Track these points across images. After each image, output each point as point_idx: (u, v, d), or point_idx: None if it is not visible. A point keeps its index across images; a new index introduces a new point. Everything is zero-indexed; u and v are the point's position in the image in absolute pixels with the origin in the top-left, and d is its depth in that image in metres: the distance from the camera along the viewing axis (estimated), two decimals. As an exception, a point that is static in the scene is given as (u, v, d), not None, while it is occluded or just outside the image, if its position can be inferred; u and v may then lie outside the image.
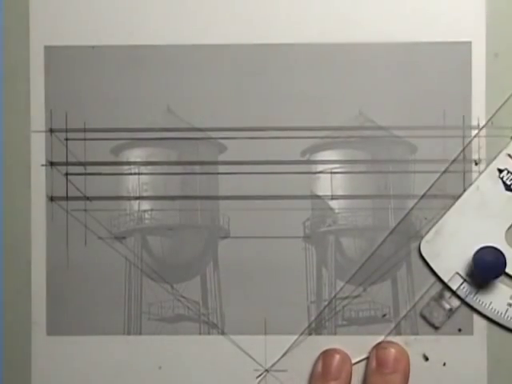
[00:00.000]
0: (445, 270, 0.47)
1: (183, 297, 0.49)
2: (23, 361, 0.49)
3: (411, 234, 0.48)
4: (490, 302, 0.47)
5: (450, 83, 0.48)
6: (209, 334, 0.49)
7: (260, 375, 0.48)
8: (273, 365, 0.48)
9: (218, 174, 0.49)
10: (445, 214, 0.47)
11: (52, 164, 0.49)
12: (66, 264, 0.49)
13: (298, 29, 0.48)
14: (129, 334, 0.49)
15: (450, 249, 0.47)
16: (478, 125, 0.48)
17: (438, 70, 0.48)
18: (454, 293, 0.47)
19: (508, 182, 0.47)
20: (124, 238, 0.49)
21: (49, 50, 0.49)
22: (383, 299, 0.48)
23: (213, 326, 0.49)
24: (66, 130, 0.49)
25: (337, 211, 0.49)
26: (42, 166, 0.49)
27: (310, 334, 0.48)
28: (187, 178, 0.49)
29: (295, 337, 0.48)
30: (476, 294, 0.47)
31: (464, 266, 0.47)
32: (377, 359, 0.46)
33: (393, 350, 0.47)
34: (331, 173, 0.49)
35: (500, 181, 0.47)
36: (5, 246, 0.49)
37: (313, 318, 0.48)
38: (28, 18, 0.49)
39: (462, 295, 0.47)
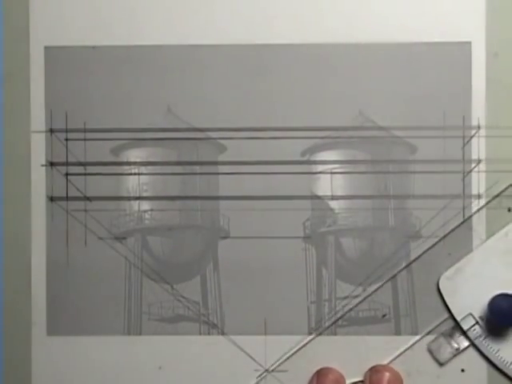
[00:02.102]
0: (459, 308, 0.47)
1: (183, 297, 0.49)
2: (23, 361, 0.49)
3: (411, 233, 0.48)
4: (498, 349, 0.47)
5: (450, 83, 0.48)
6: (209, 334, 0.49)
7: (260, 375, 0.48)
8: (273, 365, 0.48)
9: (218, 174, 0.49)
10: (469, 253, 0.47)
11: (52, 164, 0.49)
12: (66, 264, 0.49)
13: (298, 29, 0.48)
14: (129, 334, 0.49)
15: (469, 289, 0.47)
16: (478, 125, 0.48)
17: (437, 70, 0.48)
18: (464, 333, 0.47)
19: None
20: (124, 238, 0.49)
21: (49, 50, 0.49)
22: (383, 299, 0.48)
23: (213, 326, 0.49)
24: (66, 130, 0.49)
25: (337, 211, 0.49)
26: (42, 166, 0.49)
27: (309, 334, 0.48)
28: (187, 178, 0.49)
29: (295, 337, 0.48)
30: (486, 338, 0.47)
31: (479, 309, 0.47)
32: (371, 382, 0.46)
33: (387, 374, 0.47)
34: (331, 173, 0.49)
35: None
36: (5, 246, 0.49)
37: (313, 318, 0.48)
38: (28, 18, 0.49)
39: (472, 337, 0.47)
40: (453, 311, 0.47)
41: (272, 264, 0.48)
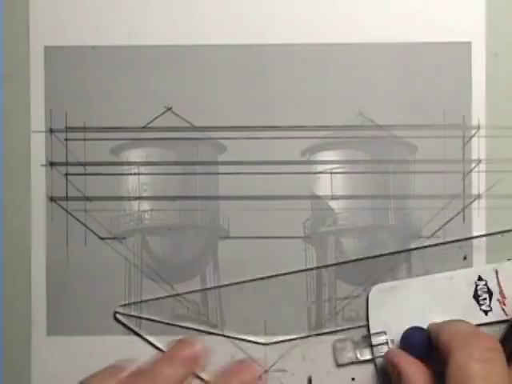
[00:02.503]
0: (377, 323, 0.47)
1: (183, 297, 0.49)
2: (23, 361, 0.49)
3: (411, 233, 0.48)
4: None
5: (450, 83, 0.48)
6: (209, 334, 0.49)
7: (260, 375, 0.48)
8: (273, 365, 0.48)
9: (218, 174, 0.49)
10: (411, 278, 0.47)
11: (52, 164, 0.49)
12: (65, 264, 0.49)
13: (298, 29, 0.48)
14: (129, 334, 0.49)
15: (393, 310, 0.47)
16: (478, 125, 0.48)
17: (437, 70, 0.48)
18: (371, 346, 0.47)
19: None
20: (124, 238, 0.49)
21: (49, 50, 0.49)
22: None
23: (213, 326, 0.49)
24: (66, 130, 0.49)
25: (337, 211, 0.49)
26: (42, 166, 0.49)
27: (309, 334, 0.48)
28: (187, 178, 0.49)
29: (295, 337, 0.48)
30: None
31: (394, 332, 0.47)
32: None
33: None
34: (331, 173, 0.49)
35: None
36: (5, 246, 0.49)
37: (313, 318, 0.48)
38: (28, 18, 0.49)
39: (376, 354, 0.47)
40: (370, 322, 0.47)
41: (272, 264, 0.48)
